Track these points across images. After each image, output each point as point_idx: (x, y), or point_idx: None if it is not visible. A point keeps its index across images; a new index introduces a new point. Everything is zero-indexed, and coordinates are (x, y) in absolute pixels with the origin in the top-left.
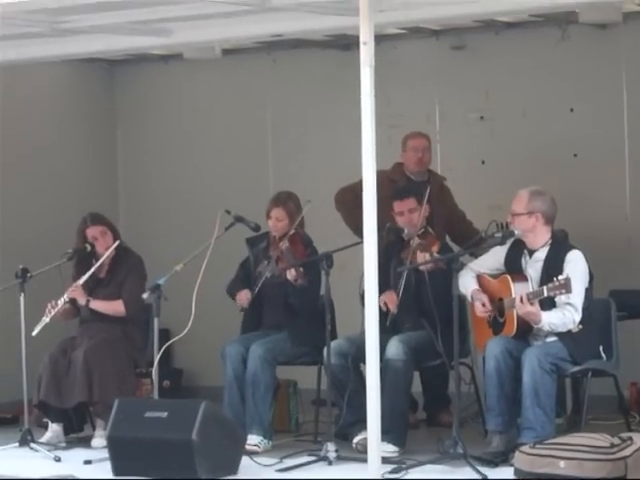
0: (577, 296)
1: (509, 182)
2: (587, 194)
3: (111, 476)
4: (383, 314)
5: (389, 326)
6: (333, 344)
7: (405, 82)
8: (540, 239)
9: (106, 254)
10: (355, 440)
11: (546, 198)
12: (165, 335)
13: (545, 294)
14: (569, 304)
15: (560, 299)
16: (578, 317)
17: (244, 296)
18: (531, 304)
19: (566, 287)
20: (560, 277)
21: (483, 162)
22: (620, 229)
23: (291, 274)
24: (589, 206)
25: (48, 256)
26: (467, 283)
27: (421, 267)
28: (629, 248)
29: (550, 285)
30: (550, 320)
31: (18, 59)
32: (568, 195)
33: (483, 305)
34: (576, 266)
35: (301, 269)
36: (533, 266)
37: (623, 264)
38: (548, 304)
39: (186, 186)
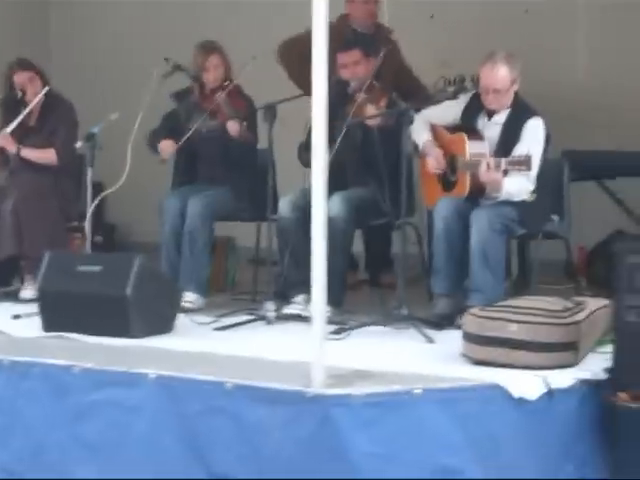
0: (533, 167)
1: (458, 38)
2: (539, 52)
3: (41, 332)
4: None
5: (333, 183)
6: (289, 197)
7: None
8: (504, 102)
9: (35, 100)
10: (295, 300)
11: (516, 59)
12: (98, 189)
13: (503, 167)
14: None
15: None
16: (532, 187)
17: (168, 146)
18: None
19: (527, 164)
20: (522, 153)
21: (432, 16)
22: (573, 88)
23: (234, 128)
24: (541, 64)
25: None
26: (420, 130)
27: (369, 123)
28: (582, 108)
29: (510, 158)
30: (509, 189)
31: None
32: (519, 52)
33: (437, 162)
34: (535, 134)
35: (245, 123)
36: (491, 128)
37: (576, 124)
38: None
39: (122, 32)
